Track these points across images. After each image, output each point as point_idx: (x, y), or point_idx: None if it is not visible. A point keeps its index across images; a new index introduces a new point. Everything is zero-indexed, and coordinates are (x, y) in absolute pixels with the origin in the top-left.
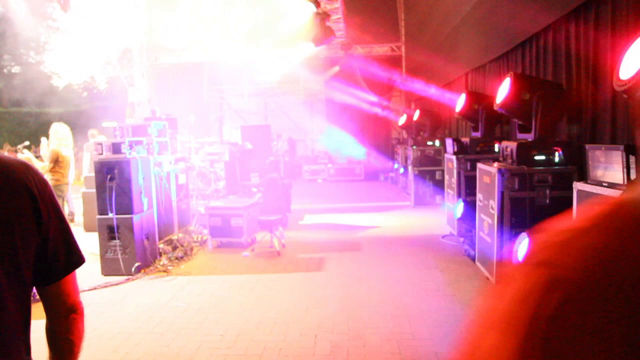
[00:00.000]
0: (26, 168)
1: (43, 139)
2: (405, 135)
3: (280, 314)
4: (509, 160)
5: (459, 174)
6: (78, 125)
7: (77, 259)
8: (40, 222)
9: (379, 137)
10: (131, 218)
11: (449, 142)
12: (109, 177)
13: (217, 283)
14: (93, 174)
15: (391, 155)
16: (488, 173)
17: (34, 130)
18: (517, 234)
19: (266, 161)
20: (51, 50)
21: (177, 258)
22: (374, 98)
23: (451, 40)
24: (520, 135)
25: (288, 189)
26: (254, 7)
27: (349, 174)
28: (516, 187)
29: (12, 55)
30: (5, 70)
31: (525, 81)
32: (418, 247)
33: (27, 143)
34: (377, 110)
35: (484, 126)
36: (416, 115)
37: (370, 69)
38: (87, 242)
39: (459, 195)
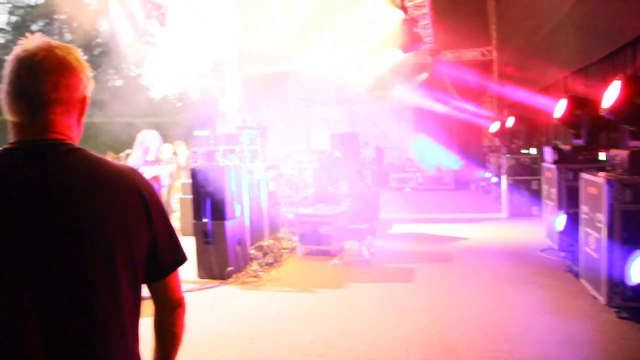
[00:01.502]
0: (134, 172)
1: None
2: (497, 143)
3: (369, 324)
4: (619, 170)
5: (559, 184)
6: (173, 135)
7: (182, 257)
8: (150, 222)
9: (470, 144)
10: (224, 224)
11: (547, 150)
12: (203, 184)
13: (305, 290)
14: (190, 181)
15: (482, 163)
16: (594, 184)
17: (134, 140)
18: (630, 251)
19: (353, 170)
20: (149, 64)
21: (267, 264)
22: (463, 104)
23: (549, 41)
24: (632, 143)
25: (376, 197)
26: (341, 16)
27: (438, 183)
28: (628, 199)
29: (116, 69)
30: (109, 84)
31: (638, 84)
32: (513, 260)
33: (128, 151)
34: (467, 117)
35: (588, 133)
36: (510, 121)
37: (460, 74)
38: (184, 246)
39: (559, 207)
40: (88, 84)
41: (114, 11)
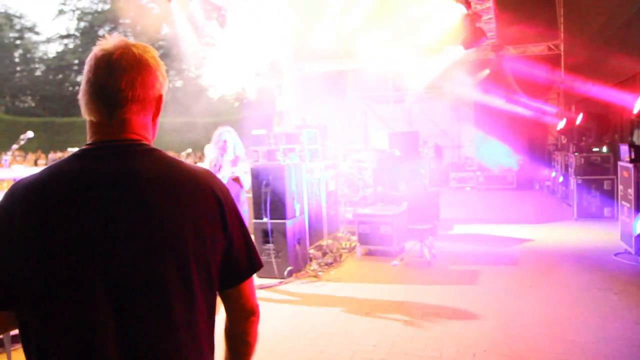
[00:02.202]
0: (210, 174)
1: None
2: (564, 141)
3: (434, 328)
4: None
5: (637, 184)
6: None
7: (257, 263)
8: (225, 226)
9: (534, 142)
10: (284, 223)
11: (624, 148)
12: (264, 183)
13: (367, 291)
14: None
15: (547, 162)
16: None
17: (194, 139)
18: None
19: (412, 169)
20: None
21: (326, 264)
22: (527, 101)
23: (626, 31)
24: None
25: (436, 197)
26: (399, 13)
27: (499, 182)
28: None
29: (177, 70)
30: (170, 85)
31: None
32: (585, 264)
33: (189, 150)
34: (531, 114)
35: None
36: (579, 118)
37: (524, 70)
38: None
39: (638, 209)
40: (164, 83)
41: (176, 14)
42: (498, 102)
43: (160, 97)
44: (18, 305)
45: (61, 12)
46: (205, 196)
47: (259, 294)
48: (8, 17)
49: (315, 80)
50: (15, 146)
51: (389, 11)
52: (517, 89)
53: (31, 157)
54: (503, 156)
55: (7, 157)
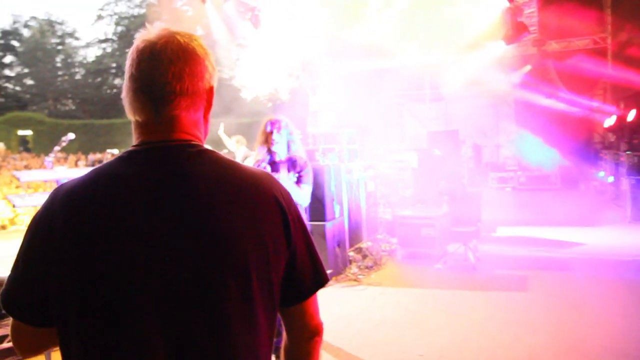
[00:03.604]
0: (272, 178)
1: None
2: (612, 139)
3: (484, 337)
4: None
5: None
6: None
7: (322, 277)
8: (289, 236)
9: (579, 141)
10: (324, 225)
11: None
12: None
13: (409, 296)
14: None
15: (594, 161)
16: None
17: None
18: None
19: (450, 169)
20: (241, 65)
21: (366, 267)
22: (572, 97)
23: None
24: None
25: (478, 198)
26: (437, 9)
27: (542, 182)
28: None
29: None
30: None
31: None
32: None
33: (225, 151)
34: (576, 111)
35: None
36: (631, 115)
37: (568, 65)
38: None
39: None
40: (214, 73)
41: (210, 16)
42: (540, 99)
43: (211, 90)
44: (59, 323)
45: (99, 17)
46: (266, 203)
47: None
48: (51, 23)
49: (351, 80)
50: (57, 148)
51: (426, 8)
52: (561, 85)
53: (72, 158)
54: (546, 155)
55: (50, 158)
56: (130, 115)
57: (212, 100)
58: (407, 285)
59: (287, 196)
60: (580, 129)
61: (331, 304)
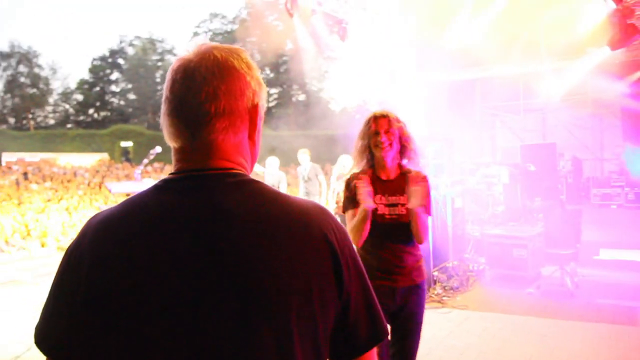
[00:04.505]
0: (323, 213)
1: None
2: None
3: None
4: None
5: None
6: (350, 147)
7: (381, 331)
8: (341, 283)
9: None
10: None
11: None
12: None
13: (498, 322)
14: None
15: None
16: None
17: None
18: None
19: (546, 184)
20: (329, 78)
21: (452, 288)
22: None
23: None
24: None
25: (577, 216)
26: (534, 14)
27: None
28: None
29: (299, 84)
30: (293, 99)
31: None
32: None
33: (304, 150)
34: None
35: None
36: None
37: None
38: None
39: None
40: (259, 90)
41: (298, 29)
42: None
43: (255, 108)
44: None
45: (196, 34)
46: (314, 243)
47: None
48: (152, 42)
49: (440, 91)
50: (145, 160)
51: (522, 13)
52: None
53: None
54: None
55: (139, 170)
56: (168, 141)
57: (258, 120)
58: (496, 310)
59: (341, 235)
60: None
61: None
